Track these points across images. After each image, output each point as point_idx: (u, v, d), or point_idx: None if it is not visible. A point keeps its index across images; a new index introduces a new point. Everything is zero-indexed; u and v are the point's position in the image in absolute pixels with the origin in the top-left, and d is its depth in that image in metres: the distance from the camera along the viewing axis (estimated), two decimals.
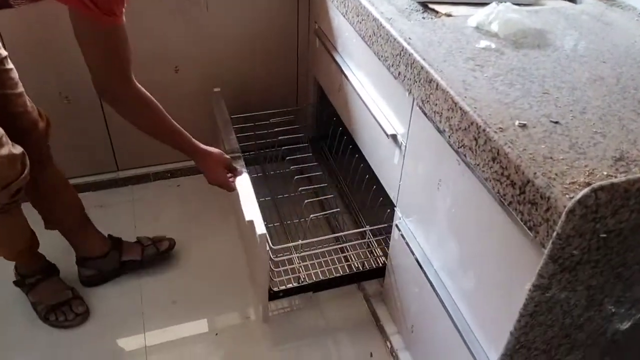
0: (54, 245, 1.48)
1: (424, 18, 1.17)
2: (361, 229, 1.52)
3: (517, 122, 0.83)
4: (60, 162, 1.37)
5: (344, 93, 1.46)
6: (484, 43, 1.04)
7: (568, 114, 0.86)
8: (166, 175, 1.87)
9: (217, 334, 1.42)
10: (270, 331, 1.44)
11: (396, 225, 1.24)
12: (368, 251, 1.49)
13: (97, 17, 0.94)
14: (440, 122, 0.93)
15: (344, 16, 1.31)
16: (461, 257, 0.99)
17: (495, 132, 0.80)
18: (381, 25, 1.11)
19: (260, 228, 1.18)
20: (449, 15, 1.18)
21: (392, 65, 1.09)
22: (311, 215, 1.43)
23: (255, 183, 1.51)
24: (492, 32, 1.08)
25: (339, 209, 1.60)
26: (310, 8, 1.67)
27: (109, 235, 1.54)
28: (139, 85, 1.12)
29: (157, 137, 1.22)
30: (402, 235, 1.21)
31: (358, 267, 1.47)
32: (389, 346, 1.37)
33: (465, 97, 0.88)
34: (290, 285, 1.36)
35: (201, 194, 1.83)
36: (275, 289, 1.34)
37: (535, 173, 0.72)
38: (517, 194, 0.75)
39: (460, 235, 0.98)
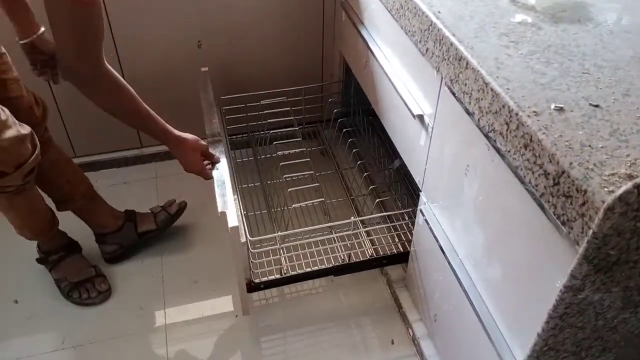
0: (75, 224, 1.47)
1: None
2: (382, 214, 1.47)
3: (553, 105, 0.76)
4: (85, 139, 1.35)
5: (370, 70, 1.39)
6: (519, 17, 0.96)
7: (609, 96, 0.78)
8: (131, 162, 1.83)
9: (237, 316, 1.41)
10: (293, 312, 1.41)
11: (420, 210, 1.18)
12: (390, 236, 1.44)
13: None
14: (470, 103, 0.87)
15: None
16: (487, 247, 0.93)
17: (529, 116, 0.73)
18: None
19: (232, 220, 1.09)
20: None
21: (420, 41, 1.02)
22: (293, 205, 1.38)
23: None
24: (528, 5, 1.00)
25: (323, 199, 1.56)
26: None
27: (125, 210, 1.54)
28: (110, 67, 1.06)
29: (129, 121, 1.17)
30: (426, 221, 1.16)
31: (375, 252, 1.42)
32: (411, 334, 1.33)
33: (497, 77, 0.81)
34: (272, 277, 1.31)
35: (179, 179, 1.78)
36: (257, 281, 1.29)
37: (571, 163, 0.66)
38: (550, 185, 0.69)
39: (487, 225, 0.92)
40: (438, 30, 0.94)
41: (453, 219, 1.06)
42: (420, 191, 1.19)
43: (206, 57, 1.64)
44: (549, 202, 0.70)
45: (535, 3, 0.99)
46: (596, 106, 0.76)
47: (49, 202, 1.40)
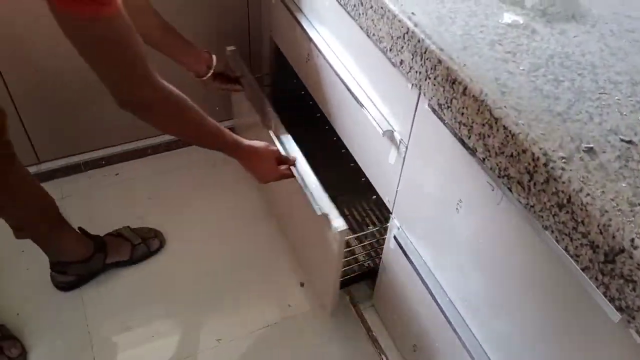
0: None
1: None
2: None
3: (582, 146, 0.62)
4: None
5: (314, 65, 1.19)
6: (508, 17, 0.80)
7: (638, 125, 0.65)
8: (100, 164, 1.57)
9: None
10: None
11: (394, 237, 1.03)
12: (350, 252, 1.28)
13: (79, 8, 0.69)
14: (470, 137, 0.70)
15: None
16: (492, 298, 0.80)
17: (562, 167, 0.58)
18: None
19: (339, 223, 1.00)
20: None
21: (391, 50, 0.83)
22: None
23: None
24: (513, 0, 0.84)
25: None
26: None
27: (80, 229, 1.30)
28: (165, 84, 0.86)
29: (194, 141, 1.03)
30: (400, 247, 1.01)
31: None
32: None
33: (505, 106, 0.65)
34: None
35: (147, 181, 1.56)
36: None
37: (633, 240, 0.52)
38: (600, 260, 0.55)
39: (492, 274, 0.79)
40: (418, 40, 0.76)
41: (439, 255, 0.91)
42: (391, 213, 1.03)
43: None
44: (596, 279, 0.56)
45: None
46: (629, 142, 0.63)
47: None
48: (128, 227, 1.38)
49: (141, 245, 1.35)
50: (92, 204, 1.49)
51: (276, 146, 1.15)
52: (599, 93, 0.69)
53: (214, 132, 0.98)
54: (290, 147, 1.16)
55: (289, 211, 1.34)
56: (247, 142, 1.06)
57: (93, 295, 1.31)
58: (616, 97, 0.69)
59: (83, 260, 1.29)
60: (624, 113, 0.67)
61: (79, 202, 1.48)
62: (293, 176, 1.12)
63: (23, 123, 1.41)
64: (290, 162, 1.13)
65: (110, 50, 0.77)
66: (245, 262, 1.40)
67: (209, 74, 1.20)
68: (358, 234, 1.31)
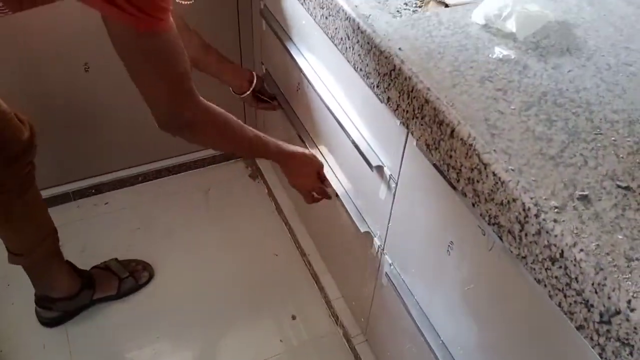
0: None
1: (406, 4, 0.89)
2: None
3: (576, 193, 0.58)
4: None
5: (304, 95, 1.16)
6: (499, 51, 0.77)
7: (636, 170, 0.62)
8: (90, 192, 1.54)
9: None
10: None
11: (386, 274, 0.99)
12: None
13: (137, 22, 0.69)
14: (459, 181, 0.67)
15: (302, 4, 1.00)
16: (485, 344, 0.76)
17: (555, 219, 0.55)
18: (358, 27, 0.82)
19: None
20: (441, 2, 0.89)
21: (377, 86, 0.81)
22: None
23: None
24: (505, 32, 0.81)
25: None
26: None
27: (69, 263, 1.27)
28: (207, 103, 0.86)
29: (242, 154, 1.08)
30: (393, 286, 0.97)
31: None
32: None
33: (495, 150, 0.62)
34: None
35: (137, 209, 1.53)
36: None
37: (629, 301, 0.48)
38: (596, 320, 0.52)
39: (484, 319, 0.75)
40: (405, 78, 0.73)
41: (432, 295, 0.88)
42: (383, 249, 1.00)
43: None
44: (592, 339, 0.53)
45: (516, 30, 0.79)
46: (626, 188, 0.59)
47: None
48: (116, 259, 1.34)
49: (129, 278, 1.32)
50: (81, 234, 1.46)
51: (319, 159, 1.11)
52: (595, 134, 0.66)
53: (254, 142, 0.97)
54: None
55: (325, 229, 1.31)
56: (291, 147, 1.04)
57: (78, 331, 1.27)
58: (612, 138, 0.66)
59: (70, 297, 1.25)
60: (621, 156, 0.63)
61: (68, 233, 1.44)
62: (328, 197, 1.10)
63: None
64: (329, 188, 1.11)
65: (161, 65, 0.77)
66: (237, 294, 1.36)
67: (249, 91, 1.22)
68: None
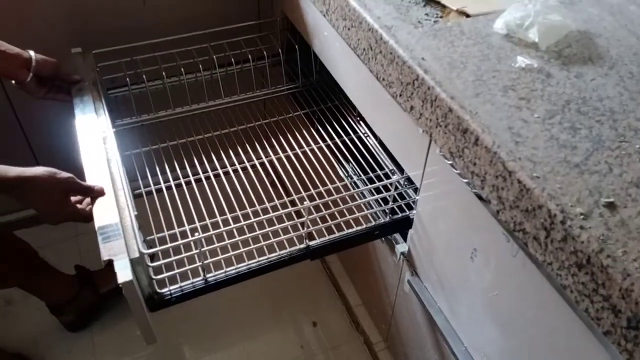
0: None
1: (427, 15, 0.90)
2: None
3: (602, 201, 0.59)
4: None
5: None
6: (522, 60, 0.78)
7: None
8: None
9: None
10: None
11: (408, 281, 1.00)
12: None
13: None
14: (483, 188, 0.68)
15: (324, 15, 1.02)
16: (508, 351, 0.77)
17: (581, 226, 0.56)
18: (381, 38, 0.83)
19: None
20: (462, 12, 0.90)
21: (400, 95, 0.82)
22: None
23: None
24: (527, 42, 0.82)
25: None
26: None
27: (76, 267, 1.30)
28: None
29: None
30: (415, 294, 0.98)
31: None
32: None
33: (519, 158, 0.63)
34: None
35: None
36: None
37: None
38: (623, 325, 0.52)
39: (507, 326, 0.75)
40: (428, 87, 0.74)
41: (455, 302, 0.88)
42: (405, 256, 1.01)
43: None
44: (619, 344, 0.53)
45: (538, 39, 0.80)
46: None
47: None
48: None
49: None
50: (80, 246, 1.48)
51: (66, 173, 0.85)
52: (619, 141, 0.67)
53: None
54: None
55: None
56: (16, 170, 0.81)
57: (104, 338, 1.30)
58: (637, 146, 0.66)
59: (73, 297, 1.27)
60: None
61: (68, 246, 1.47)
62: (90, 218, 0.83)
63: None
64: (94, 193, 0.85)
65: None
66: (258, 300, 1.38)
67: (29, 78, 1.00)
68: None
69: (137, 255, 0.78)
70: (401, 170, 0.97)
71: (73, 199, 0.87)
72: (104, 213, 0.82)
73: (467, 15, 0.90)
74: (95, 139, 0.95)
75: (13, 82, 1.01)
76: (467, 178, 0.71)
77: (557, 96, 0.73)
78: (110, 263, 1.28)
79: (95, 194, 0.84)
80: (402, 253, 1.01)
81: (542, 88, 0.74)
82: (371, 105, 1.00)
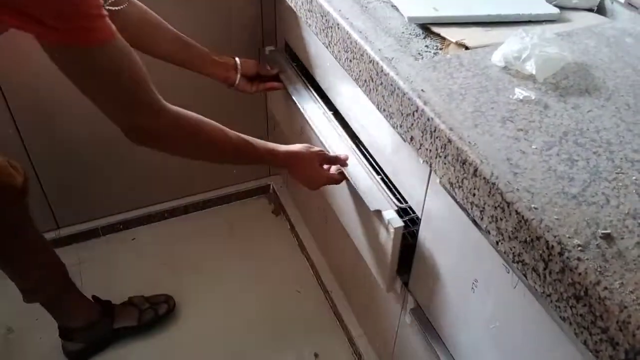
0: None
1: (427, 47, 0.92)
2: None
3: (599, 232, 0.59)
4: None
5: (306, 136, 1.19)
6: (520, 92, 0.79)
7: None
8: (118, 228, 1.58)
9: None
10: None
11: (410, 311, 1.00)
12: None
13: (67, 39, 0.66)
14: (482, 219, 0.69)
15: (327, 47, 1.04)
16: None
17: (578, 257, 0.56)
18: (382, 70, 0.85)
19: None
20: (461, 45, 0.92)
21: (401, 126, 0.83)
22: None
23: None
24: (525, 74, 0.83)
25: None
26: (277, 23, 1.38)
27: (94, 297, 1.30)
28: (172, 108, 0.81)
29: (220, 161, 0.96)
30: (418, 325, 0.97)
31: None
32: None
33: (517, 189, 0.64)
34: None
35: (163, 245, 1.55)
36: None
37: None
38: (622, 358, 0.52)
39: (509, 356, 0.75)
40: (427, 119, 0.75)
41: (456, 333, 0.88)
42: (406, 286, 1.01)
43: None
44: None
45: (535, 72, 0.82)
46: None
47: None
48: (139, 296, 1.37)
49: (149, 310, 1.34)
50: (107, 269, 1.49)
51: (318, 146, 1.03)
52: (616, 173, 0.67)
53: (241, 147, 0.91)
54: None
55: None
56: (283, 148, 0.97)
57: None
58: (633, 177, 0.67)
59: (89, 325, 1.27)
60: None
61: (95, 268, 1.48)
62: (344, 179, 1.01)
63: (43, 189, 1.43)
64: (340, 161, 1.01)
65: (108, 80, 0.73)
66: (259, 331, 1.37)
67: (238, 79, 1.16)
68: None
69: (396, 208, 0.92)
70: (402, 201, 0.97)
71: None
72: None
73: (466, 48, 0.91)
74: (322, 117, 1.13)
75: (227, 85, 1.16)
76: (467, 208, 0.72)
77: (554, 127, 0.74)
78: (130, 301, 1.30)
79: (341, 161, 1.01)
80: (404, 283, 1.00)
81: (540, 119, 0.75)
82: (366, 131, 1.01)
